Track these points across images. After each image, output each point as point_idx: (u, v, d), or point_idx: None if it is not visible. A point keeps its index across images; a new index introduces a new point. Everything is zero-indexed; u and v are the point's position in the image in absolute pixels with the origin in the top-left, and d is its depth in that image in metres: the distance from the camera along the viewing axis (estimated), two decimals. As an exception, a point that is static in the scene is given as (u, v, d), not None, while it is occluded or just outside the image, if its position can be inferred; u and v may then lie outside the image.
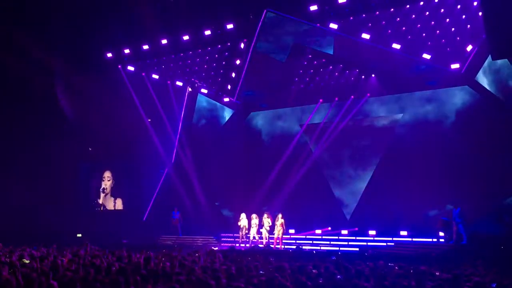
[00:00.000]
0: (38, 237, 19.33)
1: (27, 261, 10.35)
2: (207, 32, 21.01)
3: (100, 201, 26.50)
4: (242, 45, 22.19)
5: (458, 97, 20.87)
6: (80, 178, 27.06)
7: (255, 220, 20.80)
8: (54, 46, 22.84)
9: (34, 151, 24.30)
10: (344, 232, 21.57)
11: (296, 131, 25.08)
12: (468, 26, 18.21)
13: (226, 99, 25.73)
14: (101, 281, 7.55)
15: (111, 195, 26.66)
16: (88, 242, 14.72)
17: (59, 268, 8.97)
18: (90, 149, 26.58)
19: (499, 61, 17.89)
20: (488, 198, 18.66)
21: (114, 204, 26.45)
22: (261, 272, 9.39)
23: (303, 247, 20.01)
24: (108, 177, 26.70)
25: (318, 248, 20.14)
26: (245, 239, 21.04)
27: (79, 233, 23.65)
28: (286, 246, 20.38)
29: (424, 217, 20.44)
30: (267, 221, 20.53)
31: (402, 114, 22.42)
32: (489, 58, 17.90)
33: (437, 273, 9.96)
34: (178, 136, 25.59)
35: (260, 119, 26.34)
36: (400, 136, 22.03)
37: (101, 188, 26.57)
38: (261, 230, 20.73)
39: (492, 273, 10.27)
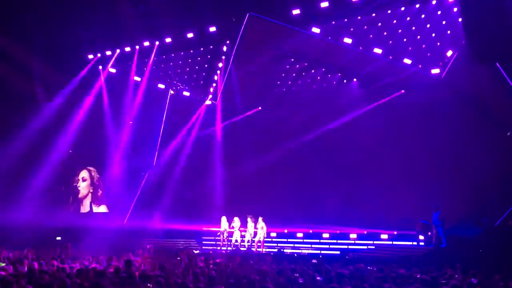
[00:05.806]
0: (15, 240, 19.02)
1: (3, 264, 10.18)
2: (190, 35, 20.92)
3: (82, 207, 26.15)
4: (224, 48, 22.16)
5: (438, 101, 21.02)
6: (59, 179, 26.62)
7: (236, 223, 20.79)
8: (34, 47, 22.47)
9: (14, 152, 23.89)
10: (326, 235, 21.62)
11: (278, 133, 25.07)
12: (448, 31, 18.46)
13: (208, 102, 25.67)
14: (80, 285, 7.45)
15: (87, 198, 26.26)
16: (69, 243, 14.56)
17: (36, 272, 8.82)
18: (70, 151, 26.24)
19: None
20: (467, 201, 18.83)
21: (91, 207, 25.98)
22: (242, 275, 9.37)
23: (285, 250, 20.02)
24: (83, 177, 26.23)
25: (300, 251, 20.17)
26: (226, 243, 21.01)
27: (58, 236, 23.29)
28: (267, 249, 20.37)
29: (404, 219, 20.55)
30: (250, 225, 20.51)
31: (383, 117, 22.54)
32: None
33: (418, 276, 10.03)
34: (159, 138, 25.43)
35: (242, 122, 26.29)
36: (380, 139, 22.09)
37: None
38: (243, 233, 20.72)
39: (471, 275, 10.36)
